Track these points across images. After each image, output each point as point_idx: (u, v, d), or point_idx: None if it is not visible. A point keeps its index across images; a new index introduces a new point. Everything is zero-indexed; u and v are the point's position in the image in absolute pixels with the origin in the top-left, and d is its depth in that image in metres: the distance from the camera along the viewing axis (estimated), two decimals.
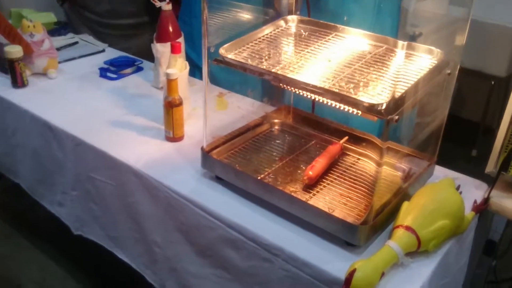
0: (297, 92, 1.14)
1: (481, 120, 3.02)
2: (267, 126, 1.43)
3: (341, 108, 1.10)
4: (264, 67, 1.10)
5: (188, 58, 1.92)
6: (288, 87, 1.10)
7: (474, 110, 3.10)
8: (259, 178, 1.19)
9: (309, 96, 1.10)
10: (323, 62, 1.11)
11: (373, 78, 1.04)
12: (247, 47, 1.19)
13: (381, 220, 1.06)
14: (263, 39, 1.22)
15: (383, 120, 0.96)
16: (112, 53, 2.02)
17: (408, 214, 1.04)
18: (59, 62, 1.88)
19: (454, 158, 1.21)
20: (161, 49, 1.65)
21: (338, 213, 1.09)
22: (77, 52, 2.00)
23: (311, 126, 1.41)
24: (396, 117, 0.93)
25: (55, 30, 2.14)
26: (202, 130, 1.46)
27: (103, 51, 2.03)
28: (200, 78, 1.82)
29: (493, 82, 2.89)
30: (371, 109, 0.94)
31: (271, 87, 1.56)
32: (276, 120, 1.44)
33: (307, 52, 1.16)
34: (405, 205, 1.07)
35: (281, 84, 1.19)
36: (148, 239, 1.37)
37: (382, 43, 1.18)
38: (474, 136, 2.98)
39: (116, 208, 1.43)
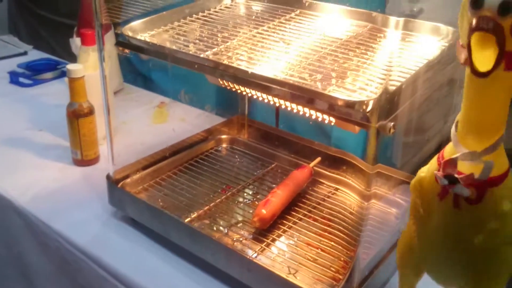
0: (235, 88, 0.76)
1: None
2: (212, 144, 1.04)
3: (305, 114, 0.72)
4: (191, 52, 0.72)
5: (129, 63, 1.56)
6: (223, 81, 0.72)
7: None
8: (186, 220, 0.80)
9: (249, 93, 0.73)
10: (279, 46, 0.74)
11: (352, 66, 0.66)
12: (170, 28, 0.81)
13: (373, 285, 0.68)
14: (196, 19, 0.85)
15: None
16: (37, 57, 1.63)
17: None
18: None
19: None
20: None
21: (304, 276, 0.71)
22: None
23: (272, 144, 1.03)
24: (391, 124, 0.55)
25: None
26: (129, 149, 1.09)
27: (24, 53, 1.64)
28: (143, 86, 1.47)
29: None
30: (350, 111, 0.56)
31: (221, 93, 1.19)
32: (224, 136, 1.06)
33: (257, 33, 0.78)
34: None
35: (219, 80, 0.81)
36: None
37: (366, 22, 0.82)
38: None
39: (4, 259, 1.03)
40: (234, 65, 0.66)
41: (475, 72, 0.41)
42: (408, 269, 0.61)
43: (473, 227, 0.49)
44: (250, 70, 0.63)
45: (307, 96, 0.59)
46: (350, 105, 0.56)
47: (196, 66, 0.67)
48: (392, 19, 0.77)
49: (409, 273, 0.61)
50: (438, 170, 0.49)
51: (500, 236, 0.49)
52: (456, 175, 0.47)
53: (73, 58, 1.51)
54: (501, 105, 0.44)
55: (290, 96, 0.60)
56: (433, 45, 0.73)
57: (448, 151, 0.50)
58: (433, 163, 0.52)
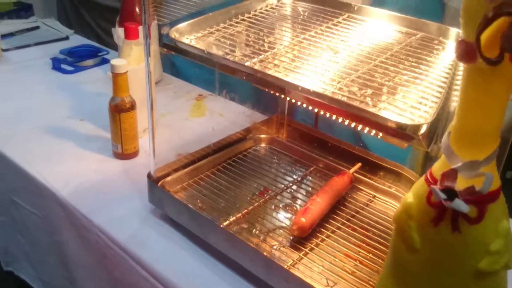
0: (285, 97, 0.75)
1: None
2: (250, 143, 1.04)
3: (350, 124, 0.71)
4: (236, 59, 0.71)
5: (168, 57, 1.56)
6: (269, 90, 0.71)
7: (507, 124, 2.67)
8: (224, 224, 0.80)
9: (302, 105, 0.72)
10: (327, 54, 0.72)
11: (403, 81, 0.64)
12: (216, 30, 0.80)
13: None
14: (242, 20, 0.84)
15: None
16: (78, 42, 1.64)
17: None
18: (7, 50, 1.54)
19: None
20: (124, 35, 1.27)
21: None
22: (34, 38, 1.64)
23: (311, 146, 1.02)
24: None
25: (13, 11, 1.78)
26: (167, 144, 1.10)
27: (66, 38, 1.66)
28: (177, 76, 1.46)
29: None
30: (401, 133, 0.55)
31: (261, 91, 1.18)
32: (263, 135, 1.06)
33: (304, 39, 0.77)
34: None
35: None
36: None
37: (417, 30, 0.79)
38: (508, 155, 2.55)
39: (45, 246, 1.06)
40: (282, 75, 0.65)
41: (486, 59, 0.40)
42: None
43: (475, 252, 0.46)
44: (300, 85, 0.62)
45: (358, 114, 0.58)
46: (402, 127, 0.54)
47: (244, 77, 0.66)
48: (452, 30, 0.74)
49: None
50: (430, 190, 0.46)
51: (503, 257, 0.47)
52: (455, 188, 0.44)
53: (115, 44, 1.53)
54: (500, 106, 0.43)
55: (340, 113, 0.59)
56: None
57: (438, 168, 0.47)
58: (419, 186, 0.49)
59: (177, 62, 1.55)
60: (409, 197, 0.49)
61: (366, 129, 0.71)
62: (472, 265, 0.46)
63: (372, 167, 0.94)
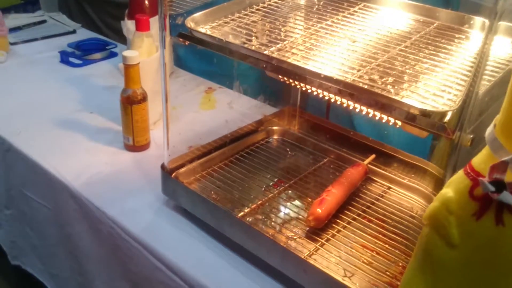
0: (303, 87, 0.75)
1: None
2: (263, 135, 1.03)
3: (373, 116, 0.70)
4: (253, 47, 0.70)
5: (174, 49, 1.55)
6: (288, 79, 0.70)
7: None
8: (239, 215, 0.80)
9: (319, 94, 0.71)
10: (345, 43, 0.72)
11: (424, 69, 0.64)
12: (231, 19, 0.80)
13: None
14: (257, 10, 0.83)
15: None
16: (85, 36, 1.64)
17: None
18: (15, 43, 1.53)
19: None
20: (133, 28, 1.26)
21: (359, 279, 0.70)
22: (41, 32, 1.63)
23: (324, 137, 1.01)
24: (470, 136, 0.53)
25: (20, 6, 1.78)
26: (178, 136, 1.09)
27: (73, 32, 1.66)
28: (186, 69, 1.45)
29: None
30: (425, 120, 0.54)
31: (270, 82, 1.17)
32: (275, 127, 1.05)
33: (320, 28, 0.76)
34: None
35: (280, 76, 0.80)
36: (91, 285, 0.99)
37: (433, 18, 0.78)
38: None
39: (54, 238, 1.05)
40: (301, 64, 0.65)
41: None
42: None
43: None
44: (322, 73, 0.61)
45: (381, 102, 0.57)
46: (426, 114, 0.54)
47: (263, 65, 0.66)
48: (478, 20, 0.73)
49: None
50: (472, 184, 0.45)
51: None
52: (504, 180, 0.43)
53: (120, 38, 1.51)
54: None
55: (362, 101, 0.59)
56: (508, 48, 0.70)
57: (481, 161, 0.47)
58: (458, 180, 0.48)
59: (182, 54, 1.54)
60: (448, 192, 0.48)
61: (385, 118, 0.70)
62: None
63: (385, 159, 0.94)
